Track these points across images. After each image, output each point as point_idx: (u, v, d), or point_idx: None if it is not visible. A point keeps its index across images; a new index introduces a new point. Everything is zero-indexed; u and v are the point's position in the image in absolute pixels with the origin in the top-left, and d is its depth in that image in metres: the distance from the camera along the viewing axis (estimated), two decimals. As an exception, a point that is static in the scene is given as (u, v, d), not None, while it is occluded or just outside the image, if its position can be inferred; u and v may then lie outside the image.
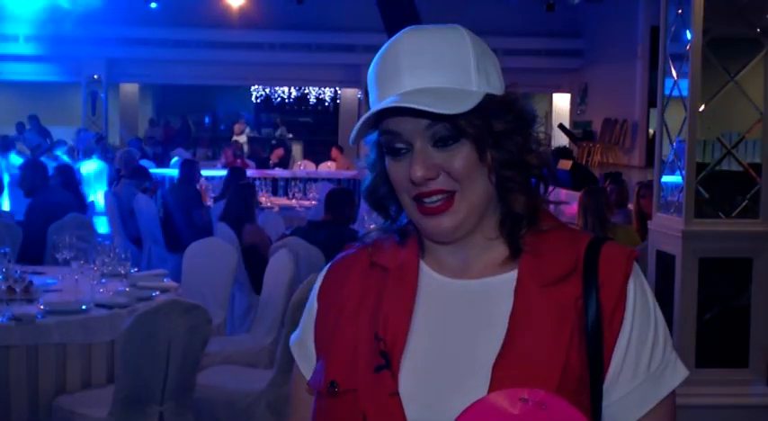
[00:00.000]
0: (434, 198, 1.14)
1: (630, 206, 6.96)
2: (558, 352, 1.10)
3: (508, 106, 1.17)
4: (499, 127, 1.15)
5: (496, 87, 1.17)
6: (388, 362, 1.13)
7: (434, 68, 1.14)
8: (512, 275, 1.17)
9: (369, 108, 1.17)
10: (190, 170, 8.53)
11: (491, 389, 1.08)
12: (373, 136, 1.21)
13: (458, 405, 1.04)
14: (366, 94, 19.42)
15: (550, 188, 1.20)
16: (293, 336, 1.31)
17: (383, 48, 1.19)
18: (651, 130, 15.46)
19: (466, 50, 1.16)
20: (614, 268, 1.15)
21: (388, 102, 1.13)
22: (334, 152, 13.72)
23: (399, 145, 1.15)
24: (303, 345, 1.28)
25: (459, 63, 1.15)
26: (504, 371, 1.09)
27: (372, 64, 1.20)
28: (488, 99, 1.15)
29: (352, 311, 1.21)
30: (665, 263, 4.60)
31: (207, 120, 23.40)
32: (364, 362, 1.15)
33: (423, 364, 1.14)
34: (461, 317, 1.16)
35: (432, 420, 1.10)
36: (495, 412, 1.03)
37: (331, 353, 1.20)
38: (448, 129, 1.13)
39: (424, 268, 1.21)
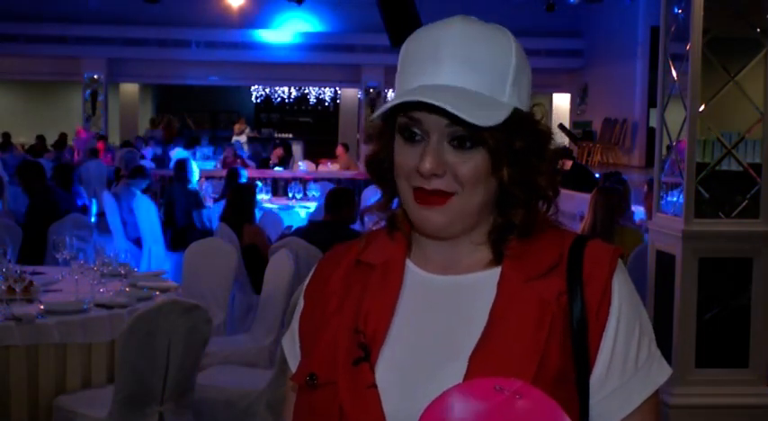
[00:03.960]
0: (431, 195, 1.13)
1: (633, 208, 6.95)
2: (536, 345, 1.10)
3: (531, 125, 1.16)
4: (519, 145, 1.14)
5: (524, 103, 1.17)
6: (366, 354, 1.14)
7: (473, 69, 1.12)
8: (496, 271, 1.17)
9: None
10: (183, 169, 8.53)
11: (466, 378, 1.08)
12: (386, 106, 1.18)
13: (434, 395, 1.04)
14: (366, 93, 19.47)
15: (554, 210, 1.20)
16: (285, 335, 1.33)
17: (428, 26, 1.17)
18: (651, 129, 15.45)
19: (508, 60, 1.15)
20: (599, 265, 1.16)
21: (418, 92, 1.11)
22: (339, 149, 13.72)
23: (416, 130, 1.14)
24: (292, 343, 1.30)
25: (498, 70, 1.14)
26: (481, 362, 1.09)
27: (411, 40, 1.17)
28: (515, 114, 1.14)
29: (336, 307, 1.21)
30: (665, 263, 4.60)
31: (207, 120, 23.40)
32: (344, 355, 1.15)
33: (402, 357, 1.14)
34: (443, 311, 1.17)
35: (409, 411, 1.09)
36: (467, 400, 1.01)
37: (312, 348, 1.21)
38: (469, 133, 1.12)
39: (410, 265, 1.22)
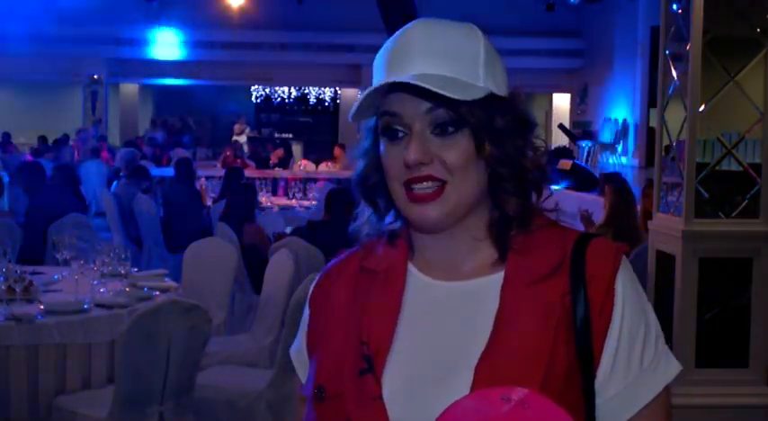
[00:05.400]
0: (425, 184, 1.13)
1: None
2: (542, 349, 1.09)
3: (511, 107, 1.17)
4: (500, 124, 1.15)
5: (501, 89, 1.17)
6: (371, 365, 1.13)
7: (444, 58, 1.14)
8: (499, 276, 1.16)
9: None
10: (185, 169, 8.54)
11: (474, 388, 1.07)
12: (369, 122, 1.21)
13: (441, 405, 1.04)
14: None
15: (546, 193, 1.20)
16: (293, 345, 1.31)
17: (394, 34, 1.19)
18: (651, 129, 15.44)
19: (477, 47, 1.16)
20: (602, 263, 1.15)
21: (395, 79, 1.12)
22: (337, 150, 13.73)
23: (398, 127, 1.15)
24: (299, 352, 1.29)
25: (468, 57, 1.15)
26: (488, 370, 1.08)
27: (382, 49, 1.20)
28: (493, 96, 1.15)
29: (341, 316, 1.20)
30: (665, 263, 4.59)
31: (207, 120, 23.40)
32: (349, 367, 1.14)
33: (407, 366, 1.13)
34: (447, 319, 1.16)
35: None
36: (475, 412, 1.01)
37: (320, 359, 1.20)
38: (449, 116, 1.13)
39: (413, 270, 1.21)
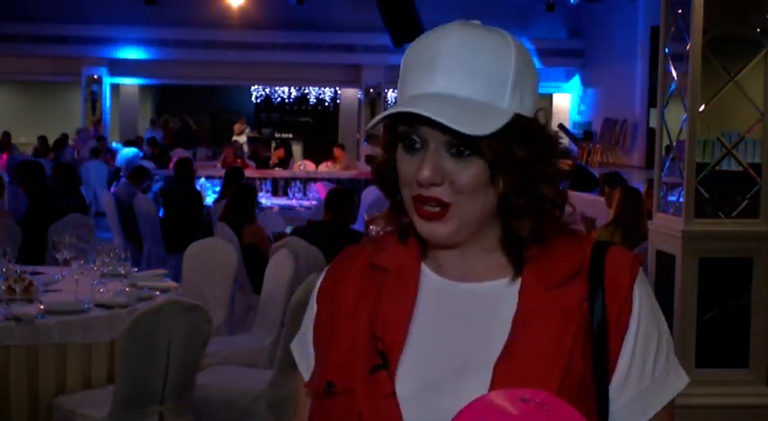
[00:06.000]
0: (431, 204, 1.12)
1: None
2: (560, 354, 1.09)
3: (534, 133, 1.13)
4: (520, 154, 1.11)
5: (528, 108, 1.13)
6: (385, 362, 1.12)
7: (470, 76, 1.10)
8: (516, 279, 1.16)
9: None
10: (184, 169, 8.55)
11: (491, 389, 1.07)
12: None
13: (456, 405, 1.03)
14: (366, 93, 19.39)
15: (569, 210, 1.17)
16: (295, 339, 1.30)
17: (427, 34, 1.15)
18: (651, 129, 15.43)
19: (508, 64, 1.11)
20: (620, 271, 1.15)
21: (410, 102, 1.10)
22: (337, 150, 13.74)
23: (415, 138, 1.12)
24: (303, 346, 1.27)
25: (496, 76, 1.11)
26: (506, 371, 1.08)
27: (410, 48, 1.15)
28: (516, 120, 1.10)
29: (351, 312, 1.19)
30: (665, 263, 4.60)
31: (207, 120, 23.39)
32: (361, 363, 1.14)
33: (421, 365, 1.13)
34: (462, 320, 1.15)
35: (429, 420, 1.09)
36: (493, 411, 1.01)
37: (328, 354, 1.19)
38: (465, 141, 1.09)
39: (426, 270, 1.20)
